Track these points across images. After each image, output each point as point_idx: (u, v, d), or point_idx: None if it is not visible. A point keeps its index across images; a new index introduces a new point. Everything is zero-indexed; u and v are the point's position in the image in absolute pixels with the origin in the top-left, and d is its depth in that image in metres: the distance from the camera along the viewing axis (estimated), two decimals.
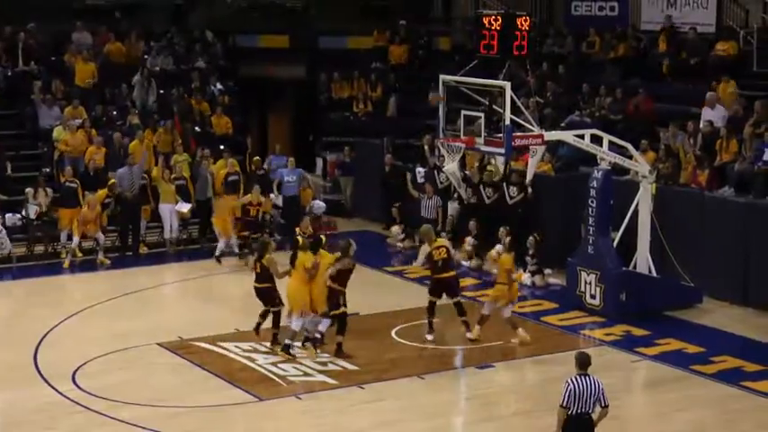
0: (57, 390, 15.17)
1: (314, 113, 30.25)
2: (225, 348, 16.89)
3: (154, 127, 25.24)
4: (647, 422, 14.74)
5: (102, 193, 22.76)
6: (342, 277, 16.53)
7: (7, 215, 22.58)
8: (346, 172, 27.37)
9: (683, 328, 18.21)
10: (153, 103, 26.89)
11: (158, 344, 17.12)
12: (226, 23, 31.00)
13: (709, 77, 23.32)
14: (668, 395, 15.26)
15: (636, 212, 19.22)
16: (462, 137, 17.89)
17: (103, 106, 26.29)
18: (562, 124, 23.21)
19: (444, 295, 17.30)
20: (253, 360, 16.38)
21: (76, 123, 24.73)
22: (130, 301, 19.89)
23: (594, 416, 11.31)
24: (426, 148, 24.37)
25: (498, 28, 17.51)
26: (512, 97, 17.40)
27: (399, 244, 24.06)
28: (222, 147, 25.34)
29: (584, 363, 11.31)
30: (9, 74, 26.44)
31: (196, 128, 26.28)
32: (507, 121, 17.32)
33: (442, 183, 22.91)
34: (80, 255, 22.51)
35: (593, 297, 18.89)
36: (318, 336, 16.57)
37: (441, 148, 19.28)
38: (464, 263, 21.84)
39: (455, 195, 22.76)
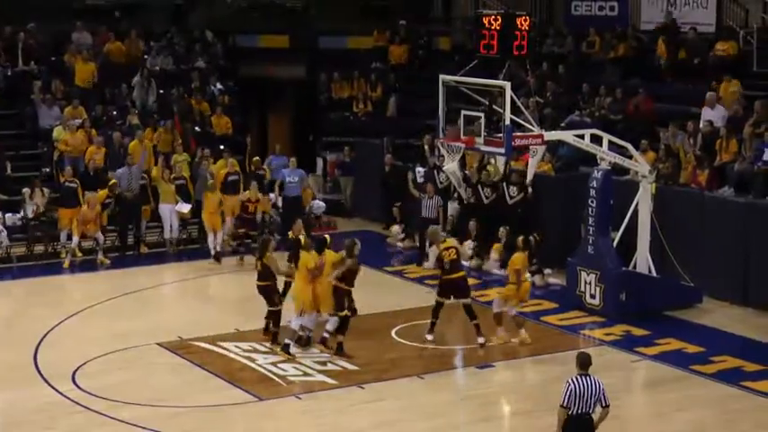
0: (57, 390, 15.18)
1: (314, 113, 30.25)
2: (225, 348, 16.89)
3: (154, 127, 25.24)
4: (646, 422, 14.74)
5: (102, 193, 22.76)
6: (348, 277, 16.56)
7: (7, 215, 22.58)
8: (346, 172, 27.38)
9: (682, 327, 18.21)
10: (153, 103, 26.89)
11: (158, 344, 17.12)
12: (226, 23, 31.00)
13: (709, 77, 23.32)
14: (668, 395, 15.26)
15: (636, 212, 19.22)
16: (462, 137, 17.87)
17: (103, 106, 26.29)
18: (562, 124, 23.21)
19: (453, 297, 17.20)
20: (252, 360, 16.38)
21: (76, 123, 24.73)
22: (130, 301, 19.89)
23: (595, 416, 11.31)
24: (426, 147, 24.37)
25: (498, 28, 17.51)
26: (512, 97, 17.39)
27: (399, 244, 24.07)
28: (222, 147, 25.35)
29: (584, 363, 11.30)
30: (9, 74, 26.45)
31: (196, 128, 26.29)
32: (507, 121, 17.31)
33: (441, 183, 22.91)
34: (80, 255, 22.51)
35: (593, 297, 18.89)
36: (326, 335, 16.56)
37: (441, 147, 19.28)
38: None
39: (455, 195, 22.75)
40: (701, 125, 21.79)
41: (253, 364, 16.21)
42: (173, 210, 23.25)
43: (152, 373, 16.07)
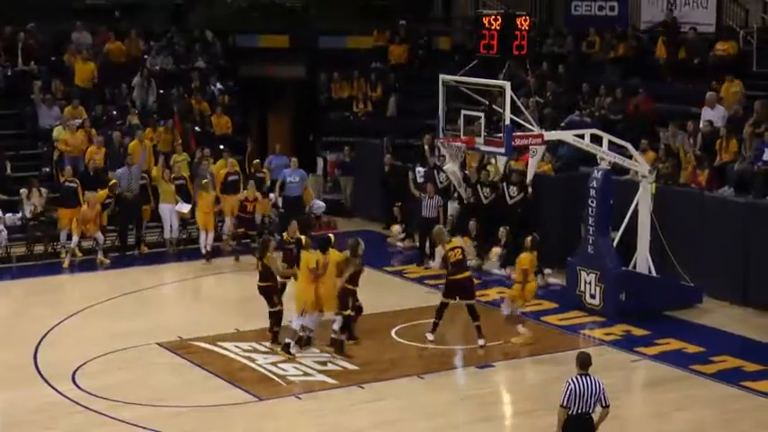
0: (56, 390, 15.18)
1: (314, 113, 30.24)
2: (225, 348, 16.89)
3: (154, 126, 25.25)
4: (646, 422, 14.74)
5: (102, 193, 22.76)
6: (353, 277, 16.60)
7: (7, 215, 22.57)
8: (346, 172, 27.37)
9: (682, 327, 18.21)
10: (153, 103, 26.89)
11: (158, 344, 17.12)
12: (226, 23, 30.99)
13: (709, 77, 23.31)
14: (668, 395, 15.26)
15: (636, 212, 19.22)
16: (462, 137, 17.88)
17: (103, 106, 26.29)
18: (562, 124, 23.21)
19: (458, 298, 17.14)
20: (252, 360, 16.38)
21: (76, 123, 24.73)
22: (130, 301, 19.89)
23: (595, 416, 11.31)
24: (426, 147, 24.36)
25: (498, 28, 17.50)
26: (512, 97, 17.39)
27: (399, 244, 24.07)
28: (222, 147, 25.35)
29: (584, 363, 11.30)
30: (9, 74, 26.45)
31: (196, 128, 26.29)
32: (507, 121, 17.31)
33: (441, 182, 22.91)
34: (80, 254, 22.51)
35: (592, 297, 18.89)
36: (333, 336, 16.56)
37: (441, 147, 19.28)
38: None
39: (455, 195, 22.75)
40: (700, 125, 21.79)
41: (253, 364, 16.21)
42: (173, 210, 23.25)
43: (152, 372, 16.07)
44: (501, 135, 17.55)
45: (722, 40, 24.59)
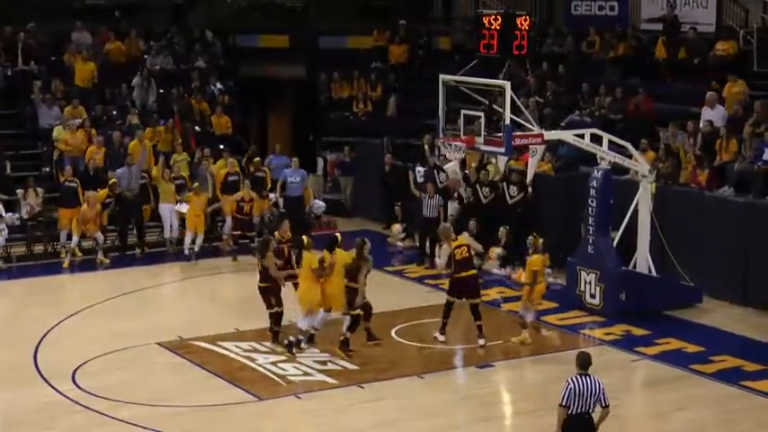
0: (56, 389, 15.18)
1: (314, 113, 30.24)
2: (225, 348, 16.89)
3: (154, 126, 25.25)
4: (646, 421, 14.74)
5: (102, 192, 22.75)
6: (355, 276, 16.56)
7: (7, 215, 22.57)
8: (346, 172, 27.38)
9: (682, 327, 18.21)
10: (153, 103, 26.89)
11: (158, 343, 17.12)
12: (226, 23, 30.99)
13: (709, 77, 23.31)
14: (668, 394, 15.25)
15: (636, 212, 19.22)
16: (462, 136, 17.88)
17: (103, 106, 26.29)
18: (562, 124, 23.22)
19: (463, 296, 17.09)
20: (252, 360, 16.38)
21: (76, 123, 24.74)
22: (130, 301, 19.89)
23: (595, 416, 11.31)
24: (426, 147, 24.36)
25: (498, 27, 17.51)
26: (512, 97, 17.39)
27: (399, 243, 24.07)
28: (222, 146, 25.36)
29: (584, 362, 11.30)
30: (9, 73, 26.45)
31: (196, 127, 26.30)
32: (507, 121, 17.31)
33: (441, 182, 22.91)
34: (80, 254, 22.51)
35: (592, 297, 18.89)
36: (342, 338, 16.55)
37: (441, 147, 19.28)
38: None
39: (455, 195, 22.75)
40: (700, 125, 21.79)
41: (253, 364, 16.21)
42: (172, 209, 23.24)
43: (152, 372, 16.07)
44: (501, 135, 17.56)
45: (722, 40, 24.58)
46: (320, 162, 28.70)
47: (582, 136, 18.92)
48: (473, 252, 17.50)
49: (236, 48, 30.68)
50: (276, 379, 15.64)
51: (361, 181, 26.81)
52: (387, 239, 24.38)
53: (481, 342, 16.94)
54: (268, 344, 16.95)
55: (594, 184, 18.80)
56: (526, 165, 21.16)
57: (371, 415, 14.48)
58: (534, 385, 15.76)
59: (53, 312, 18.79)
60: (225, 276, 21.81)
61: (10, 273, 21.77)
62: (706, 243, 19.69)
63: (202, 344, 17.09)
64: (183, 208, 23.13)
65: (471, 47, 21.76)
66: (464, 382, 16.34)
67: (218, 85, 28.14)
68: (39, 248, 22.63)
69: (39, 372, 15.96)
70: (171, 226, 23.33)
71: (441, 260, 20.86)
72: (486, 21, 17.73)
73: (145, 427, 13.88)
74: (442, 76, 18.30)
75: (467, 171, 22.34)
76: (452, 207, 22.94)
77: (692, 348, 17.06)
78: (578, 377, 11.21)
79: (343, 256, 16.55)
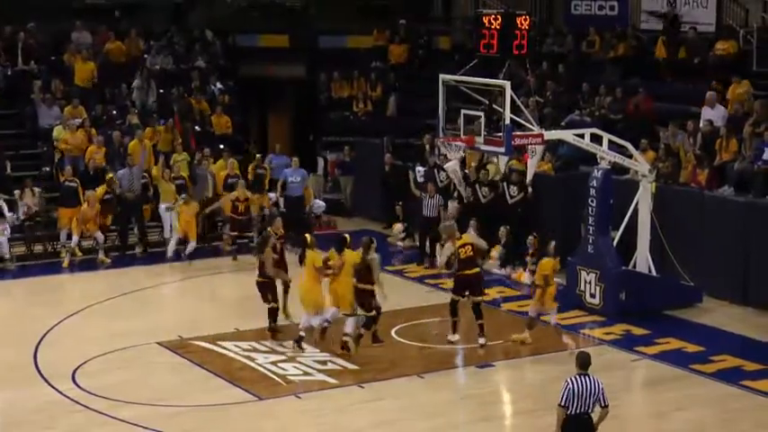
0: (56, 389, 15.18)
1: (314, 113, 30.24)
2: (224, 348, 16.89)
3: (154, 126, 25.25)
4: (646, 421, 14.74)
5: (101, 189, 22.75)
6: (367, 276, 16.55)
7: (9, 214, 22.56)
8: (346, 171, 27.37)
9: (682, 327, 18.21)
10: (153, 103, 26.89)
11: (158, 343, 17.12)
12: (226, 23, 30.99)
13: (709, 77, 23.31)
14: (668, 394, 15.25)
15: (636, 212, 19.22)
16: (462, 136, 17.88)
17: (103, 106, 26.30)
18: (562, 123, 23.21)
19: (467, 293, 17.04)
20: (252, 359, 16.39)
21: (76, 123, 24.74)
22: (130, 301, 19.89)
23: (595, 416, 11.31)
24: (427, 147, 24.36)
25: (498, 27, 17.51)
26: (512, 96, 17.39)
27: (400, 243, 24.07)
28: (222, 146, 25.36)
29: (584, 362, 11.30)
30: (9, 73, 26.45)
31: (196, 127, 26.30)
32: (507, 121, 17.31)
33: (441, 182, 22.90)
34: (80, 254, 22.52)
35: (592, 296, 18.90)
36: (346, 339, 16.55)
37: (441, 147, 19.28)
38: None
39: (455, 195, 22.75)
40: (700, 124, 21.78)
41: (252, 364, 16.21)
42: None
43: (152, 372, 16.08)
44: (501, 134, 17.55)
45: (722, 40, 24.58)
46: (320, 162, 28.69)
47: (582, 136, 18.92)
48: (478, 251, 17.45)
49: (236, 47, 30.68)
50: (276, 379, 15.64)
51: (361, 181, 26.81)
52: (387, 239, 24.38)
53: (481, 341, 16.94)
54: (268, 343, 16.95)
55: (594, 183, 18.80)
56: (526, 165, 21.16)
57: (371, 415, 14.48)
58: (534, 385, 15.76)
59: (53, 312, 18.79)
60: (225, 276, 21.81)
61: (10, 272, 21.74)
62: (706, 243, 19.69)
63: (202, 344, 17.09)
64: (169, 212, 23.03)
65: (471, 46, 21.77)
66: (464, 382, 16.34)
67: (218, 85, 28.14)
68: (38, 248, 22.62)
69: (39, 371, 15.96)
70: (171, 225, 23.31)
71: (440, 259, 20.87)
72: (486, 20, 17.72)
73: (145, 427, 13.89)
74: (441, 76, 18.30)
75: (467, 171, 22.33)
76: (452, 207, 22.93)
77: (692, 348, 17.06)
78: (577, 377, 11.20)
79: (352, 257, 16.55)
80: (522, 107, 18.66)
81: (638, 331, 17.84)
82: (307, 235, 17.47)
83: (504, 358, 16.75)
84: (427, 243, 22.35)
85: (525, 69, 19.49)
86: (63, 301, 20.30)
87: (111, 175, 23.04)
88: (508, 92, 17.26)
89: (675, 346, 17.16)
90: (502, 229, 21.56)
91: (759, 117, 20.83)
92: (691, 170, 20.79)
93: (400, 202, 24.56)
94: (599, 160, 19.04)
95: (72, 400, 14.79)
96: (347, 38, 31.03)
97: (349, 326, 16.54)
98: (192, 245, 22.51)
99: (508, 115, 17.30)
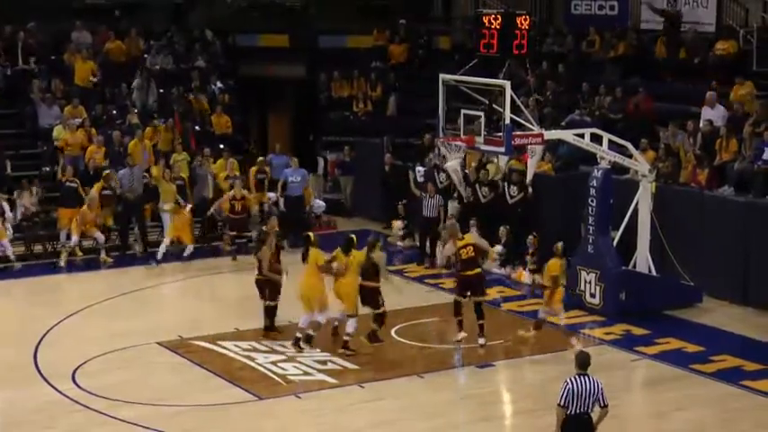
0: (56, 389, 15.18)
1: (314, 113, 30.24)
2: (224, 347, 16.89)
3: (153, 126, 25.24)
4: (646, 421, 14.74)
5: (98, 185, 22.73)
6: (374, 274, 16.59)
7: (9, 214, 22.56)
8: (346, 171, 27.37)
9: (682, 327, 18.21)
10: (153, 103, 26.89)
11: (158, 343, 17.12)
12: (226, 23, 30.99)
13: (709, 77, 23.30)
14: (668, 394, 15.26)
15: (636, 211, 19.22)
16: (462, 136, 17.87)
17: (103, 105, 26.30)
18: (562, 123, 23.21)
19: (469, 294, 17.01)
20: (252, 359, 16.39)
21: (76, 122, 24.74)
22: (130, 301, 19.89)
23: (594, 416, 11.31)
24: (427, 146, 24.35)
25: (498, 27, 17.51)
26: (512, 96, 17.39)
27: (400, 243, 24.06)
28: (222, 146, 25.36)
29: (583, 363, 11.30)
30: (9, 73, 26.45)
31: (196, 127, 26.30)
32: (507, 120, 17.31)
33: (441, 182, 22.88)
34: (81, 254, 22.51)
35: (592, 296, 18.90)
36: (348, 338, 16.56)
37: (441, 147, 19.27)
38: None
39: (455, 195, 22.75)
40: (700, 124, 21.78)
41: (252, 363, 16.21)
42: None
43: (152, 372, 16.07)
44: (501, 134, 17.55)
45: (722, 40, 24.56)
46: (320, 162, 28.67)
47: (582, 135, 18.92)
48: (480, 251, 17.42)
49: (235, 47, 30.69)
50: (276, 378, 15.64)
51: (362, 181, 26.81)
52: (387, 239, 24.36)
53: (481, 341, 16.94)
54: (268, 343, 16.95)
55: (594, 183, 18.80)
56: (526, 165, 21.15)
57: (371, 415, 14.48)
58: (534, 385, 15.75)
59: (53, 312, 18.79)
60: (225, 276, 21.81)
61: (10, 272, 21.73)
62: (706, 243, 19.69)
63: (202, 343, 17.10)
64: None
65: (471, 46, 21.76)
66: (464, 382, 16.33)
67: (219, 84, 28.13)
68: (38, 248, 22.61)
69: (39, 371, 15.96)
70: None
71: (439, 259, 20.91)
72: (486, 20, 17.73)
73: (145, 427, 13.88)
74: (441, 76, 18.31)
75: (466, 170, 22.32)
76: (452, 207, 22.94)
77: (692, 348, 17.06)
78: (577, 377, 11.20)
79: (359, 257, 16.57)
80: (522, 107, 18.66)
81: (638, 331, 17.84)
82: (310, 233, 17.49)
83: (504, 358, 16.76)
84: (427, 243, 22.34)
85: (525, 69, 19.49)
86: (63, 300, 20.30)
87: (107, 171, 22.99)
88: (508, 92, 17.27)
89: (675, 346, 17.16)
90: (502, 228, 21.56)
91: (759, 117, 20.83)
92: (691, 170, 20.79)
93: (404, 201, 24.50)
94: (599, 160, 19.04)
95: (72, 399, 14.79)
96: (347, 38, 31.03)
97: (350, 326, 16.54)
98: (189, 248, 22.49)
99: (508, 115, 17.30)
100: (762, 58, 24.14)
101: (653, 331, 17.79)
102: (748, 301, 19.26)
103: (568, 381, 11.20)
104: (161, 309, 19.98)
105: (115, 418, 14.17)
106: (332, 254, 16.70)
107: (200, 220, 24.05)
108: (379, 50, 30.56)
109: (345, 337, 16.55)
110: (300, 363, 16.19)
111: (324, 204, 25.72)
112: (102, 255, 22.36)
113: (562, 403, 11.14)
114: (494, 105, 18.10)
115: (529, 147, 18.57)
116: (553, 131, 19.35)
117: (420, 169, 24.01)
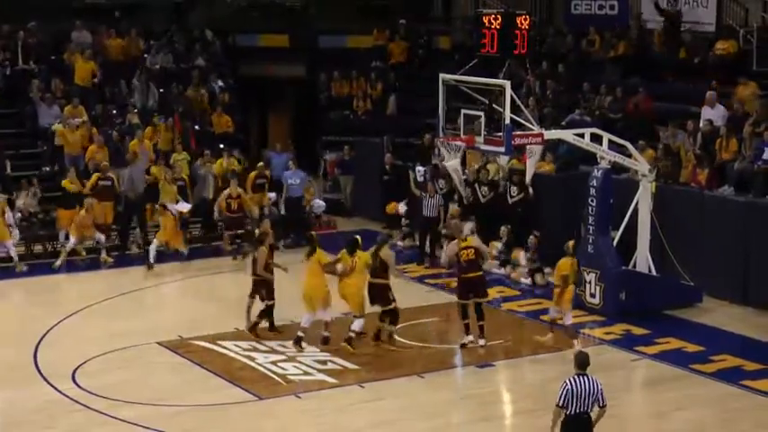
0: (56, 389, 15.18)
1: (314, 113, 30.24)
2: (224, 347, 16.89)
3: (153, 125, 25.24)
4: (646, 421, 14.74)
5: (94, 177, 22.69)
6: (382, 272, 16.62)
7: (8, 215, 22.55)
8: (346, 171, 27.37)
9: (682, 327, 18.21)
10: (153, 103, 26.88)
11: (158, 343, 17.12)
12: (226, 22, 31.01)
13: (709, 77, 23.30)
14: (668, 394, 15.25)
15: (636, 211, 19.22)
16: (462, 136, 17.87)
17: (103, 105, 26.29)
18: (562, 123, 23.21)
19: (472, 296, 17.01)
20: (252, 359, 16.39)
21: (76, 122, 24.73)
22: (130, 300, 19.90)
23: (593, 416, 11.31)
24: (427, 146, 24.34)
25: (498, 27, 17.51)
26: (512, 96, 17.39)
27: (400, 243, 24.04)
28: (222, 146, 25.36)
29: (583, 363, 11.30)
30: (9, 72, 26.45)
31: (196, 126, 26.30)
32: (507, 120, 17.31)
33: (441, 189, 22.80)
34: (83, 254, 22.51)
35: (592, 296, 18.89)
36: (352, 335, 16.57)
37: (440, 147, 19.28)
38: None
39: (455, 196, 22.74)
40: (700, 124, 21.78)
41: (253, 363, 16.21)
42: (173, 209, 23.17)
43: (152, 372, 16.08)
44: (501, 134, 17.55)
45: (722, 40, 24.55)
46: (322, 163, 28.63)
47: (582, 135, 18.92)
48: (480, 255, 17.39)
49: (235, 47, 30.70)
50: (276, 378, 15.64)
51: (361, 180, 26.80)
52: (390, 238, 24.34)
53: (482, 342, 16.93)
54: (268, 343, 16.95)
55: (594, 183, 18.80)
56: (526, 165, 21.16)
57: (371, 415, 14.48)
58: (534, 385, 15.75)
59: (53, 312, 18.78)
60: (225, 276, 21.81)
61: (10, 272, 21.72)
62: (706, 243, 19.69)
63: (202, 343, 17.10)
64: (184, 207, 23.01)
65: (471, 46, 21.75)
66: (464, 382, 16.33)
67: (219, 83, 28.13)
68: (38, 248, 22.60)
69: (39, 371, 15.96)
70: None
71: (443, 257, 20.88)
72: (486, 20, 17.72)
73: (145, 427, 13.88)
74: (442, 76, 18.31)
75: (467, 171, 22.32)
76: (452, 207, 22.92)
77: (692, 348, 17.06)
78: (576, 377, 11.20)
79: (364, 257, 16.57)
80: (522, 107, 18.66)
81: (638, 331, 17.84)
82: (313, 233, 17.48)
83: (503, 358, 16.75)
84: (427, 243, 22.33)
85: (525, 69, 19.49)
86: (63, 300, 20.30)
87: (105, 163, 22.96)
88: (508, 92, 17.26)
89: (675, 346, 17.16)
90: (503, 228, 21.56)
91: (759, 117, 20.82)
92: (691, 170, 20.79)
93: (405, 201, 24.41)
94: (599, 160, 19.04)
95: (72, 399, 14.79)
96: (347, 37, 31.05)
97: (356, 325, 16.55)
98: (183, 253, 22.49)
99: (508, 115, 17.30)
100: (762, 58, 24.13)
101: (653, 331, 17.79)
102: (748, 301, 19.26)
103: (567, 381, 11.20)
104: (161, 309, 19.99)
105: (115, 417, 14.17)
106: (337, 255, 16.72)
107: (200, 221, 24.07)
108: (378, 50, 30.57)
109: (350, 333, 16.56)
110: (300, 363, 16.19)
111: (324, 204, 25.72)
112: (103, 255, 22.36)
113: (561, 404, 11.14)
114: (494, 105, 18.10)
115: (527, 147, 18.57)
116: (553, 131, 19.35)
117: (420, 169, 24.00)
